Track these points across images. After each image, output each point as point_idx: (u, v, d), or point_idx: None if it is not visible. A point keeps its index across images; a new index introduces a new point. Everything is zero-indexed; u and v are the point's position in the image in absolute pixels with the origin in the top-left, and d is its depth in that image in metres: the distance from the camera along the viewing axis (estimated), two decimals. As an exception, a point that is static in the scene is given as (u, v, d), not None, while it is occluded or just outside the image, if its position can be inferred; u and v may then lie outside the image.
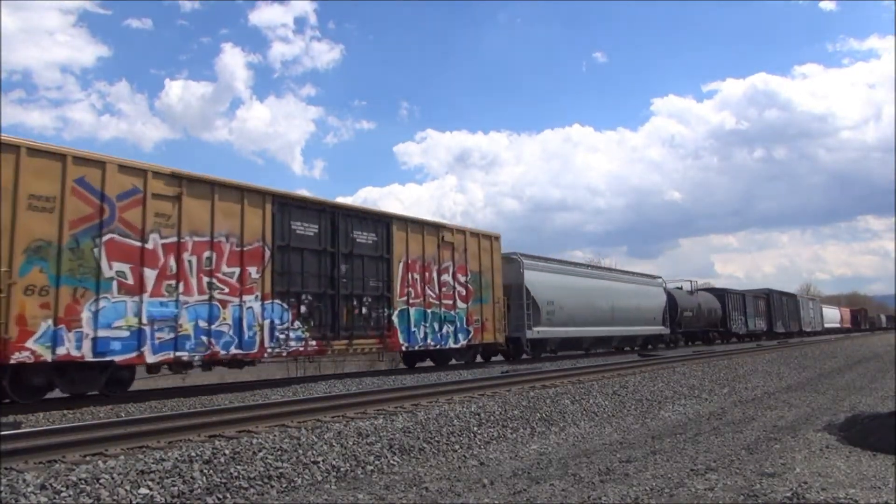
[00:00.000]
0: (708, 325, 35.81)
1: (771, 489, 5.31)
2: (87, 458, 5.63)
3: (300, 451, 6.28)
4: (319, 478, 5.96)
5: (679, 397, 12.12)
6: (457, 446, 7.41)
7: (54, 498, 4.70)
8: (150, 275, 10.58)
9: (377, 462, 6.54)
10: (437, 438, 7.44)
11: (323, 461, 6.22)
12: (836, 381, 15.83)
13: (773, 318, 46.38)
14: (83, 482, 4.93)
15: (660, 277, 32.10)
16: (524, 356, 20.96)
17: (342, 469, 6.22)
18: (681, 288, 35.00)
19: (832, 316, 72.66)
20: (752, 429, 8.67)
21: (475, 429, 8.05)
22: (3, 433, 6.16)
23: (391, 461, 6.65)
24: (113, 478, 5.07)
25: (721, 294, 38.87)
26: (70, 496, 4.76)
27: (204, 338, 11.28)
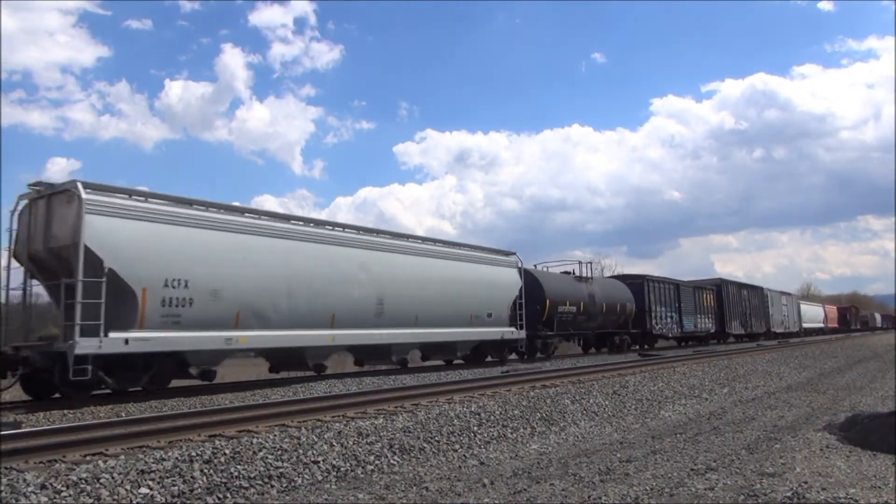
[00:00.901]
0: (612, 324, 25.72)
1: (771, 489, 5.31)
2: (88, 458, 5.63)
3: (300, 451, 6.29)
4: (320, 477, 5.97)
5: (679, 397, 12.12)
6: (457, 446, 7.41)
7: (55, 497, 4.70)
8: None
9: (377, 462, 6.55)
10: (437, 438, 7.45)
11: (323, 461, 6.22)
12: (836, 381, 15.83)
13: (726, 315, 36.06)
14: (83, 482, 4.93)
15: (513, 254, 20.52)
16: (107, 389, 10.64)
17: (342, 469, 6.22)
18: (570, 273, 24.76)
19: (814, 314, 62.01)
20: (753, 428, 8.67)
21: (475, 429, 8.05)
22: (3, 433, 6.16)
23: (391, 461, 6.66)
24: (113, 477, 5.08)
25: (637, 282, 28.32)
26: (70, 496, 4.76)
27: None
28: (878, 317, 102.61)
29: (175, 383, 12.00)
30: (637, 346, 27.96)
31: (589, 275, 25.36)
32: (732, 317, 37.17)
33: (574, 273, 25.03)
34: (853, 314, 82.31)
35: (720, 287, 36.52)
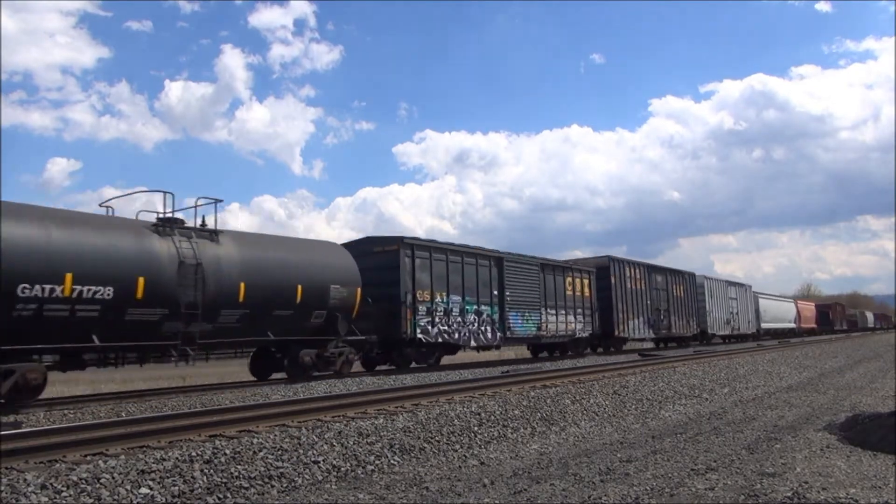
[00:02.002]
0: (284, 325, 13.12)
1: (771, 489, 5.31)
2: (88, 458, 5.64)
3: (301, 451, 6.29)
4: (320, 477, 5.97)
5: (679, 397, 12.12)
6: (457, 446, 7.42)
7: (55, 498, 4.70)
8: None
9: (378, 462, 6.55)
10: (437, 438, 7.45)
11: (323, 461, 6.23)
12: (836, 381, 15.82)
13: (616, 311, 24.53)
14: (84, 482, 4.93)
15: None
16: None
17: (343, 469, 6.22)
18: (204, 226, 12.37)
19: (780, 312, 49.45)
20: (753, 428, 8.67)
21: (476, 428, 8.05)
22: (3, 433, 6.17)
23: (392, 461, 6.66)
24: (113, 477, 5.08)
25: (390, 251, 16.24)
26: (71, 496, 4.76)
27: None
28: (869, 316, 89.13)
29: (174, 383, 11.99)
30: (392, 365, 16.68)
31: (211, 225, 12.34)
32: (629, 314, 25.46)
33: (214, 225, 12.32)
34: (837, 313, 69.32)
35: (607, 269, 24.62)
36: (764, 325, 44.17)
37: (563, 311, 22.19)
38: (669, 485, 5.57)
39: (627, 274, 26.05)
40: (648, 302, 27.17)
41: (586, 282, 23.71)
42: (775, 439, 7.77)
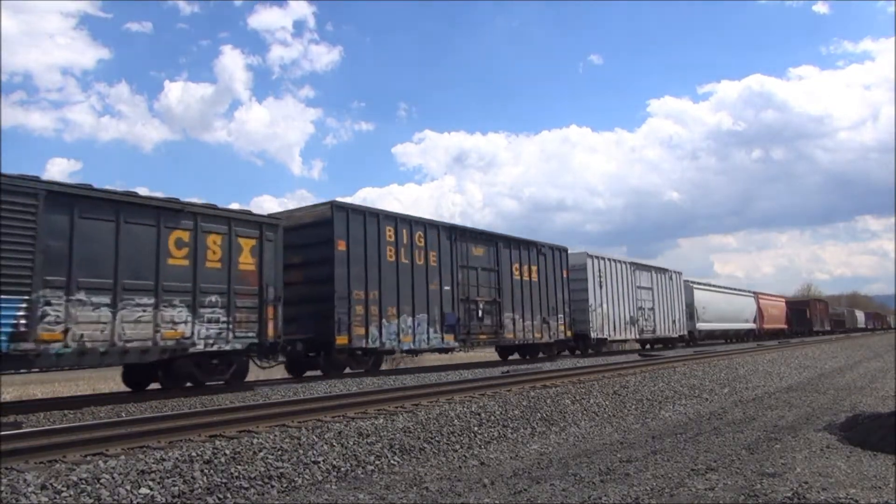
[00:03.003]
0: None
1: (771, 489, 5.31)
2: (88, 458, 5.64)
3: (301, 451, 6.29)
4: (320, 478, 5.97)
5: (679, 397, 12.12)
6: (457, 446, 7.42)
7: (55, 498, 4.70)
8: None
9: (378, 462, 6.55)
10: (437, 438, 7.45)
11: (323, 461, 6.23)
12: (836, 381, 15.83)
13: (352, 304, 13.62)
14: (84, 482, 4.93)
15: None
16: None
17: (343, 469, 6.23)
18: None
19: (733, 309, 38.17)
20: (753, 429, 8.67)
21: (476, 429, 8.05)
22: (3, 433, 6.17)
23: (392, 461, 6.66)
24: (113, 478, 5.08)
25: None
26: (71, 496, 4.76)
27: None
28: (860, 315, 78.92)
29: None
30: None
31: None
32: (390, 308, 14.78)
33: None
34: (818, 311, 57.31)
35: (329, 226, 13.80)
36: (702, 326, 33.22)
37: (145, 301, 10.60)
38: (669, 485, 5.57)
39: (387, 237, 14.86)
40: (447, 288, 16.48)
41: (247, 245, 12.19)
42: (775, 439, 7.77)
